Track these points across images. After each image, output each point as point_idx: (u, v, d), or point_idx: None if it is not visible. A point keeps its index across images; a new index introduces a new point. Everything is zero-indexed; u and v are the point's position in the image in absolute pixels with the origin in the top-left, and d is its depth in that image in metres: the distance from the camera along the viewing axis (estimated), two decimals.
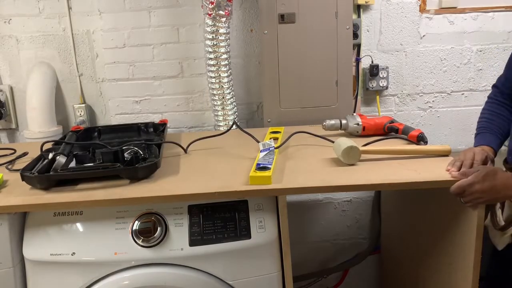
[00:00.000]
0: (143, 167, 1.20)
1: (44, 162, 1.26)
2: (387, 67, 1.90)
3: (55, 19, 1.86)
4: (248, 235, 1.15)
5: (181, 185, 1.16)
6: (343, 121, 1.55)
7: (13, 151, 1.55)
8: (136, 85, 1.91)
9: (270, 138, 1.49)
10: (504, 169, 1.28)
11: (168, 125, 1.75)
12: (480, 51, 1.93)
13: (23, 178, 1.17)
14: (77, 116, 1.92)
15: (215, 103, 1.77)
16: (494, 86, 1.40)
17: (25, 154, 1.51)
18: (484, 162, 1.16)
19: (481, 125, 1.34)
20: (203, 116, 1.96)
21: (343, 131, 1.56)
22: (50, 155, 1.30)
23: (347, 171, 1.21)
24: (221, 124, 1.79)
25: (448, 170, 1.15)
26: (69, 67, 1.91)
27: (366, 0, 1.82)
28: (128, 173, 1.20)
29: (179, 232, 1.15)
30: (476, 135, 1.34)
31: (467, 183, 1.08)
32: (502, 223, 1.22)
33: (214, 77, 1.73)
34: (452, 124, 2.00)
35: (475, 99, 1.97)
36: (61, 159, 1.27)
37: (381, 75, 1.90)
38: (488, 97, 1.40)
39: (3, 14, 1.85)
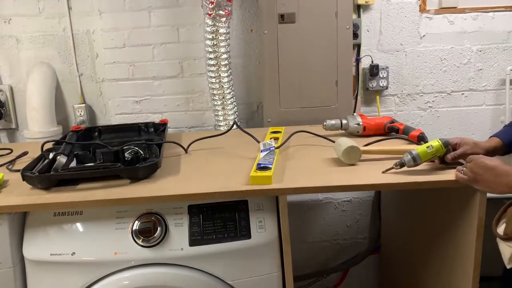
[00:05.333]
0: (143, 167, 1.20)
1: (45, 162, 1.26)
2: (387, 67, 1.90)
3: (55, 19, 1.86)
4: (248, 235, 1.15)
5: (181, 185, 1.16)
6: (344, 121, 1.54)
7: (13, 151, 1.55)
8: (136, 85, 1.91)
9: (270, 138, 1.49)
10: None
11: (168, 125, 1.74)
12: (480, 51, 1.93)
13: (24, 178, 1.17)
14: (77, 116, 1.92)
15: (215, 103, 1.77)
16: None
17: (25, 154, 1.51)
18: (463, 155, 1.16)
19: None
20: (203, 116, 1.96)
21: (343, 131, 1.56)
22: (51, 155, 1.30)
23: (347, 171, 1.21)
24: (221, 124, 1.79)
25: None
26: (69, 67, 1.91)
27: (366, 0, 1.82)
28: (128, 173, 1.20)
29: (179, 232, 1.15)
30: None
31: None
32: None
33: (214, 77, 1.73)
34: (452, 124, 1.99)
35: (475, 99, 1.97)
36: (62, 159, 1.27)
37: (381, 75, 1.90)
38: None
39: (3, 14, 1.85)
